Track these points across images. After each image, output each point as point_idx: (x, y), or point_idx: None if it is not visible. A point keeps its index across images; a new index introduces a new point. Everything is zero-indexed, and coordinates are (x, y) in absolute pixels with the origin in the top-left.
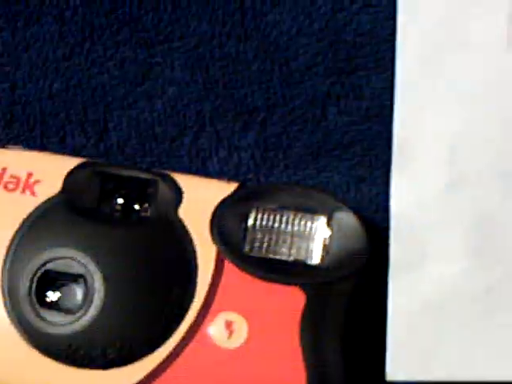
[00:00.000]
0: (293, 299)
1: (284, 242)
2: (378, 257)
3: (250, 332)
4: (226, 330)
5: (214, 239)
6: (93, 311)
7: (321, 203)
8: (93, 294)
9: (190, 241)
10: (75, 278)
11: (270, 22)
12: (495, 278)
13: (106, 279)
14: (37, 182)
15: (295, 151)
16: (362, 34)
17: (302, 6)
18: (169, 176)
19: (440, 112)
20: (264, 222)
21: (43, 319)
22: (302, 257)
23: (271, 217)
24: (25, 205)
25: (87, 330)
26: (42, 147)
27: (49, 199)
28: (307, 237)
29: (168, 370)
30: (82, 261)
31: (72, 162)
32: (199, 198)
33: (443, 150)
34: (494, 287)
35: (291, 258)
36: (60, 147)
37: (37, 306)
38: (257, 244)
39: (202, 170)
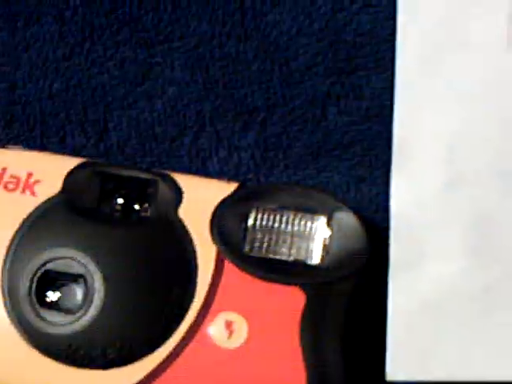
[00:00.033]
0: (293, 299)
1: (284, 241)
2: (378, 257)
3: (249, 332)
4: (225, 330)
5: (213, 239)
6: (93, 311)
7: (321, 203)
8: (93, 294)
9: (190, 241)
10: (75, 277)
11: (270, 22)
12: (494, 277)
13: (105, 279)
14: (37, 181)
15: (295, 151)
16: (361, 34)
17: (302, 5)
18: (169, 176)
19: (439, 111)
20: (264, 222)
21: (43, 319)
22: (301, 257)
23: (271, 217)
24: (25, 205)
25: (87, 329)
26: (42, 147)
27: (49, 199)
28: (307, 237)
29: (168, 370)
30: (82, 261)
31: (72, 162)
32: (199, 198)
33: (442, 149)
34: (492, 286)
35: (291, 258)
36: (60, 147)
37: (37, 305)
38: (257, 244)
39: (202, 170)
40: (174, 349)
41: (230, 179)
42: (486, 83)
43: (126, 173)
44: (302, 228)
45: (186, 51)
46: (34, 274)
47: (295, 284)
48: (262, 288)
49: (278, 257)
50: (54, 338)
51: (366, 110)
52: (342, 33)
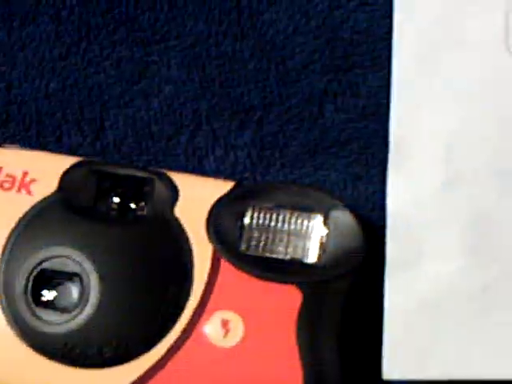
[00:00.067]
0: (289, 298)
1: (280, 240)
2: (375, 255)
3: (246, 331)
4: (222, 329)
5: (210, 238)
6: (89, 310)
7: (317, 202)
8: (89, 293)
9: (186, 239)
10: (71, 276)
11: (267, 21)
12: (492, 276)
13: (101, 278)
14: (33, 180)
15: (292, 150)
16: (358, 31)
17: (299, 4)
18: (165, 175)
19: (436, 110)
20: (260, 221)
21: (39, 318)
22: (298, 255)
23: (268, 215)
24: (21, 204)
25: (83, 328)
26: (38, 146)
27: (45, 198)
28: (304, 235)
29: (164, 369)
30: (78, 259)
31: (68, 161)
32: (195, 197)
33: (440, 148)
34: (490, 286)
35: (288, 257)
36: (56, 146)
37: (32, 304)
38: (253, 243)
39: (199, 168)
40: (170, 347)
41: (226, 178)
42: (484, 82)
43: (122, 171)
44: (298, 226)
45: (183, 50)
46: (30, 273)
47: (292, 283)
48: (259, 287)
49: (274, 255)
50: (49, 336)
51: (363, 108)
52: (339, 31)
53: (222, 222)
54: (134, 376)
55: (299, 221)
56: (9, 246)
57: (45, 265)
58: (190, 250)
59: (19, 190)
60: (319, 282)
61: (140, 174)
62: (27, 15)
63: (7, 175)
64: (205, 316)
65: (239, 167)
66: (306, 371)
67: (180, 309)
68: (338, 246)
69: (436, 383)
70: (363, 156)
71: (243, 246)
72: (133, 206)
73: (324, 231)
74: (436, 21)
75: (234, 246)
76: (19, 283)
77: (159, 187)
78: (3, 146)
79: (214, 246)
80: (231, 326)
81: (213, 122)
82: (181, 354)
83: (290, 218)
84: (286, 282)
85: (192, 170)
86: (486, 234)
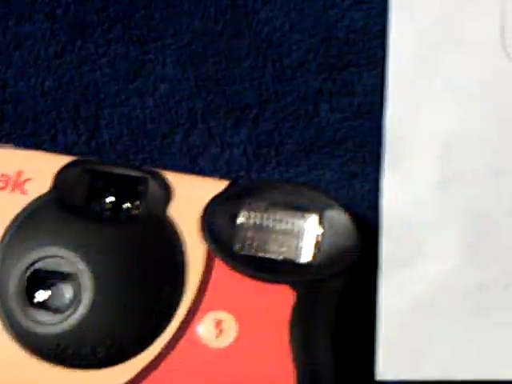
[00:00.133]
0: (283, 297)
1: (275, 240)
2: (370, 254)
3: (239, 331)
4: (215, 329)
5: (204, 237)
6: (82, 310)
7: (312, 201)
8: (82, 293)
9: (180, 239)
10: (65, 276)
11: (262, 19)
12: (488, 275)
13: (95, 278)
14: (27, 180)
15: (287, 148)
16: (353, 30)
17: (294, 2)
18: (159, 174)
19: (436, 110)
20: (255, 220)
21: (32, 318)
22: (292, 255)
23: (262, 215)
24: (15, 203)
25: (77, 329)
26: (33, 145)
27: (39, 197)
28: (298, 235)
29: (157, 370)
30: (72, 259)
31: (62, 160)
32: (189, 196)
33: (438, 147)
34: (486, 285)
35: (282, 257)
36: (52, 145)
37: (26, 305)
38: (247, 242)
39: (194, 166)
40: (164, 348)
41: (221, 177)
42: (483, 81)
43: (115, 170)
44: (292, 226)
45: (178, 48)
46: (24, 273)
47: (285, 282)
48: (253, 286)
49: (268, 255)
50: (43, 337)
51: (358, 107)
52: (334, 29)
53: (216, 221)
54: (128, 377)
55: (294, 220)
56: (3, 246)
57: (38, 265)
58: (183, 250)
59: (13, 189)
60: (313, 282)
61: (134, 173)
62: (22, 14)
63: (2, 175)
64: (198, 316)
65: (235, 165)
66: (299, 371)
67: (173, 309)
68: (332, 245)
69: (430, 383)
70: (358, 154)
71: (237, 246)
72: (127, 205)
73: (319, 230)
74: (436, 21)
75: (228, 246)
76: (13, 283)
77: (153, 186)
78: None
79: (208, 246)
80: (224, 326)
81: (208, 120)
82: (174, 354)
83: (285, 218)
84: (279, 282)
85: (188, 168)
86: (484, 233)
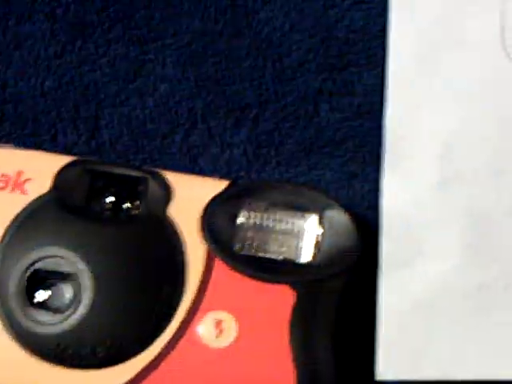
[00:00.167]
0: (283, 297)
1: (275, 240)
2: (370, 254)
3: (239, 331)
4: (215, 329)
5: (204, 237)
6: (82, 310)
7: (312, 201)
8: (82, 293)
9: (180, 239)
10: (65, 276)
11: (262, 19)
12: (488, 275)
13: (95, 278)
14: (27, 180)
15: (287, 148)
16: (353, 30)
17: (294, 2)
18: (159, 174)
19: (436, 110)
20: (255, 220)
21: (32, 318)
22: (292, 255)
23: (262, 215)
24: (15, 203)
25: (77, 328)
26: (33, 145)
27: (39, 198)
28: (298, 235)
29: (157, 370)
30: (72, 259)
31: (62, 160)
32: (190, 196)
33: (438, 147)
34: (486, 285)
35: (282, 257)
36: (52, 145)
37: (26, 305)
38: (247, 242)
39: (194, 166)
40: (164, 348)
41: (221, 177)
42: (483, 81)
43: (115, 170)
44: (292, 226)
45: (178, 48)
46: (24, 273)
47: (286, 282)
48: (253, 286)
49: (268, 255)
50: (43, 337)
51: (358, 107)
52: (334, 29)
53: (216, 221)
54: (128, 376)
55: (294, 220)
56: (3, 246)
57: (38, 265)
58: (183, 250)
59: (13, 189)
60: (313, 282)
61: (134, 173)
62: (22, 14)
63: (1, 175)
64: (198, 316)
65: (235, 165)
66: (299, 371)
67: (173, 309)
68: (332, 245)
69: (430, 383)
70: (358, 154)
71: (237, 246)
72: (127, 205)
73: (319, 230)
74: (436, 21)
75: (228, 246)
76: (13, 283)
77: (153, 186)
78: None
79: (208, 246)
80: (224, 326)
81: (208, 120)
82: (174, 354)
83: (285, 218)
84: (279, 282)
85: (188, 168)
86: (484, 233)
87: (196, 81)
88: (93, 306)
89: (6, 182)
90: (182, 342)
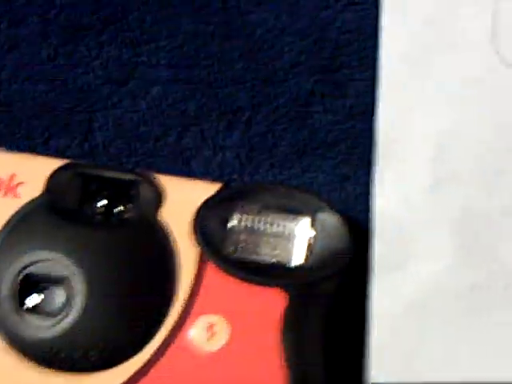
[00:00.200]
0: (275, 300)
1: (267, 242)
2: (362, 256)
3: (231, 334)
4: (207, 333)
5: (196, 240)
6: (74, 314)
7: (304, 203)
8: (74, 297)
9: (172, 242)
10: (57, 280)
11: (254, 21)
12: (480, 276)
13: (87, 281)
14: (20, 183)
15: (280, 150)
16: (346, 32)
17: (286, 4)
18: (151, 177)
19: (428, 113)
20: (247, 223)
21: (24, 322)
22: (285, 258)
23: (254, 218)
24: (7, 207)
25: (69, 332)
26: (26, 148)
27: (31, 201)
28: (290, 238)
29: (149, 374)
30: (64, 263)
31: (54, 164)
32: (182, 199)
33: (431, 150)
34: (478, 285)
35: (274, 260)
36: (44, 148)
37: (18, 308)
38: (240, 245)
39: (187, 169)
40: (156, 351)
41: (214, 180)
42: (475, 84)
43: (107, 174)
44: (284, 229)
45: (171, 50)
46: (16, 277)
47: (278, 285)
48: (245, 289)
49: (261, 258)
50: (35, 341)
51: (350, 109)
52: (327, 31)
53: (208, 224)
54: (121, 380)
55: (286, 223)
56: None
57: (31, 269)
58: (175, 253)
59: (6, 193)
60: (305, 284)
61: (126, 176)
62: (15, 16)
63: None
64: (190, 319)
65: (227, 168)
66: (291, 373)
67: (165, 312)
68: (324, 247)
69: None
70: (351, 157)
71: (229, 249)
72: (119, 208)
73: (311, 233)
74: (428, 23)
75: (220, 249)
76: (5, 287)
77: (145, 189)
78: None
79: (200, 249)
80: (216, 329)
81: (201, 122)
82: (166, 357)
83: (277, 221)
84: (272, 285)
85: (180, 171)
86: (476, 234)
87: (188, 83)
88: (85, 310)
89: None
90: (174, 346)
